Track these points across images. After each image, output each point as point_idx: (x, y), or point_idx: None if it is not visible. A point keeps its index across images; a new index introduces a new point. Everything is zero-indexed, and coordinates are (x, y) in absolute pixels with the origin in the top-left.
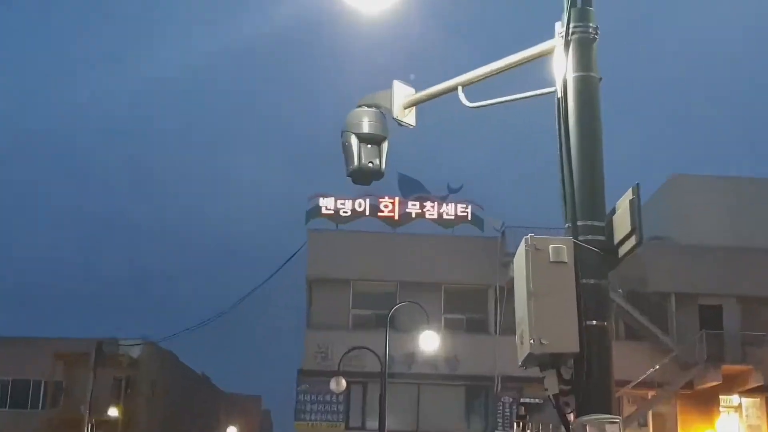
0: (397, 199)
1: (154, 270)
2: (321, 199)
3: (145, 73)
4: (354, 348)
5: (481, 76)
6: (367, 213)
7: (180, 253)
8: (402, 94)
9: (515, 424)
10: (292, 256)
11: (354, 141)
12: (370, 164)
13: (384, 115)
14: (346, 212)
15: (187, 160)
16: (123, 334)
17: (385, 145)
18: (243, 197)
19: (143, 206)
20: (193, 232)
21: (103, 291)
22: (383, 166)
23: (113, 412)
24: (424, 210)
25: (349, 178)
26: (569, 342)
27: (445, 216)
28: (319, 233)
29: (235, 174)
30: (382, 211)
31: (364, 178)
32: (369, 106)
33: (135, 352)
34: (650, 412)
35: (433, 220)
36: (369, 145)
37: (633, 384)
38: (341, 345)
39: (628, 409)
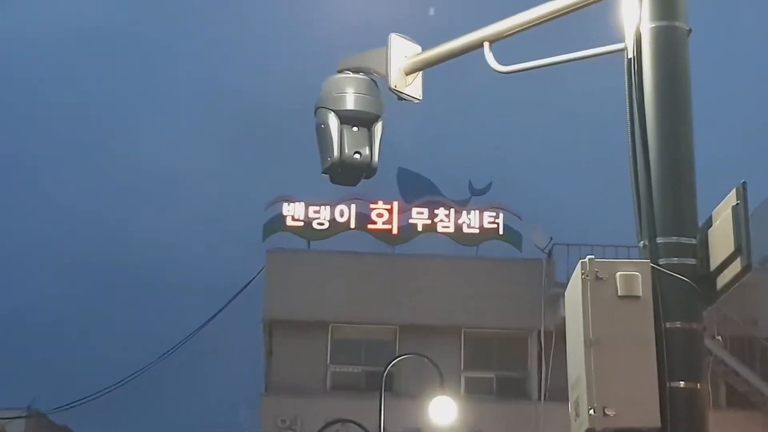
0: (396, 204)
1: (49, 316)
2: (285, 206)
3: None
4: (334, 421)
5: (517, 27)
6: (353, 225)
7: (93, 292)
8: (403, 53)
9: None
10: (240, 292)
11: (333, 122)
12: (357, 155)
13: (377, 84)
14: (321, 224)
15: (80, 157)
16: (2, 404)
17: (378, 128)
18: (175, 206)
19: (26, 225)
20: (107, 260)
21: None
22: (376, 157)
23: None
24: (436, 220)
25: (326, 176)
26: (646, 413)
27: (465, 229)
28: (282, 254)
29: (156, 171)
30: (375, 222)
31: (347, 175)
32: (355, 71)
33: (18, 427)
34: None
35: (448, 234)
36: (355, 128)
37: None
38: (315, 416)
39: None
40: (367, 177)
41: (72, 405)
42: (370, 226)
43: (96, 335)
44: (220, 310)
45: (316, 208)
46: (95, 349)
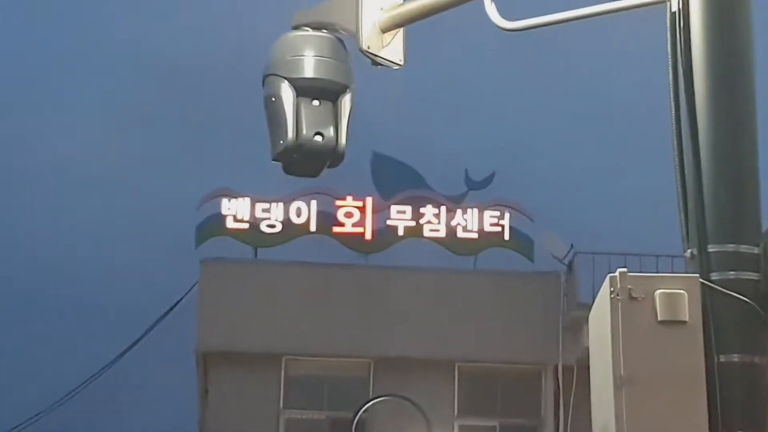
0: (369, 201)
1: None
2: (224, 203)
3: None
4: None
5: None
6: (314, 228)
7: None
8: (378, 3)
9: None
10: (163, 316)
11: (287, 94)
12: (319, 137)
13: (344, 44)
14: (272, 226)
15: None
16: None
17: (346, 102)
18: (83, 204)
19: None
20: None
21: None
22: (343, 140)
23: None
24: (422, 222)
25: (278, 164)
26: None
27: (461, 233)
28: (220, 266)
29: (56, 160)
30: (342, 224)
31: (306, 163)
32: (315, 27)
33: None
34: None
35: (438, 240)
36: (316, 102)
37: None
38: None
39: None
40: (332, 165)
41: None
42: (335, 229)
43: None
44: (136, 342)
45: (266, 205)
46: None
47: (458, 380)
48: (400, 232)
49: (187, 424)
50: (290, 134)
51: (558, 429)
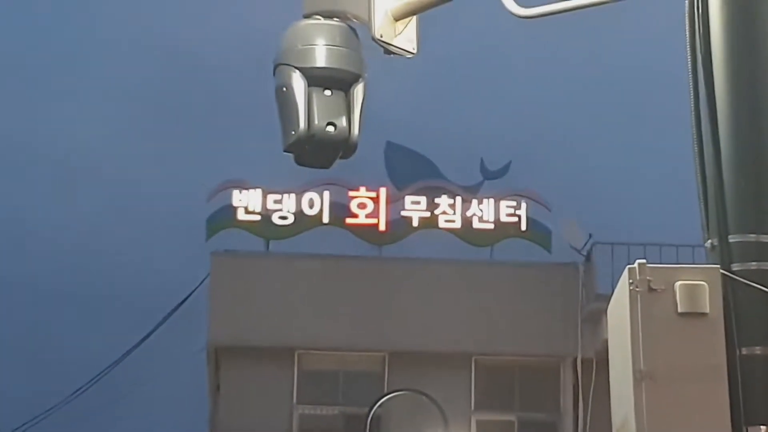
0: (383, 191)
1: None
2: (236, 194)
3: None
4: None
5: None
6: (326, 219)
7: None
8: None
9: None
10: (174, 310)
11: (299, 84)
12: (331, 127)
13: (355, 32)
14: (284, 218)
15: None
16: None
17: (359, 91)
18: (91, 197)
19: None
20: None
21: None
22: (356, 130)
23: None
24: (437, 212)
25: (290, 155)
26: None
27: (476, 224)
28: (231, 259)
29: (61, 152)
30: (356, 216)
31: (318, 154)
32: (327, 15)
33: None
34: None
35: (453, 231)
36: (328, 92)
37: None
38: None
39: None
40: (345, 156)
41: None
42: (348, 221)
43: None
44: (146, 336)
45: (277, 196)
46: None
47: (475, 374)
48: (415, 223)
49: (199, 419)
50: (302, 124)
51: (577, 423)
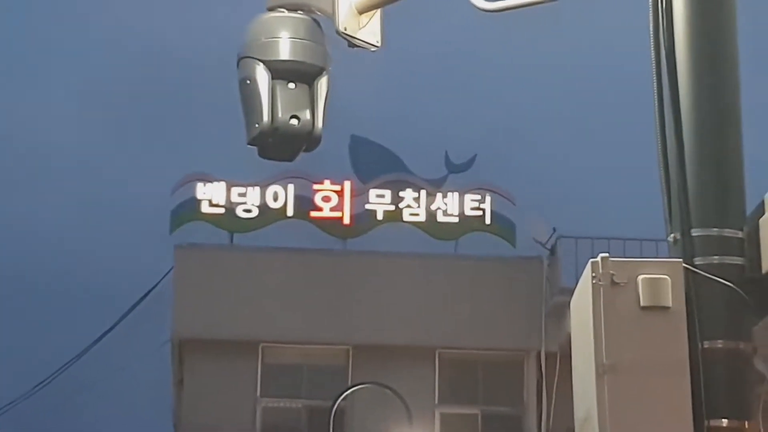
0: (348, 184)
1: None
2: (200, 186)
3: None
4: None
5: None
6: (291, 212)
7: None
8: None
9: None
10: (137, 304)
11: (262, 77)
12: (294, 120)
13: (320, 25)
14: (248, 210)
15: None
16: None
17: (323, 85)
18: (55, 191)
19: None
20: None
21: None
22: (320, 123)
23: None
24: (401, 206)
25: (254, 148)
26: None
27: (441, 217)
28: (195, 252)
29: (24, 146)
30: (320, 209)
31: (282, 147)
32: (291, 8)
33: None
34: None
35: (418, 224)
36: (292, 85)
37: None
38: None
39: None
40: (308, 149)
41: None
42: (313, 214)
43: None
44: (109, 330)
45: (241, 189)
46: None
47: (439, 367)
48: (380, 217)
49: (163, 412)
50: (265, 117)
51: (541, 417)
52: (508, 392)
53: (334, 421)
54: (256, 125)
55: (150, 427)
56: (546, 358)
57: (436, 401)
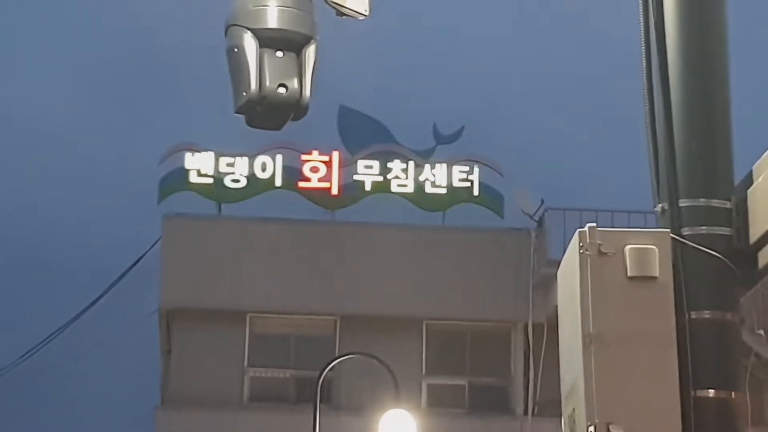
0: (336, 155)
1: None
2: (188, 156)
3: None
4: None
5: None
6: (279, 182)
7: None
8: None
9: None
10: (124, 274)
11: (250, 45)
12: (282, 89)
13: None
14: (236, 180)
15: None
16: None
17: (311, 53)
18: (42, 163)
19: None
20: None
21: None
22: (307, 92)
23: None
24: (389, 177)
25: (241, 117)
26: (664, 429)
27: (429, 188)
28: (183, 222)
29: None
30: (308, 179)
31: (270, 116)
32: None
33: None
34: None
35: (406, 195)
36: (280, 53)
37: None
38: None
39: None
40: (296, 118)
41: None
42: (301, 184)
43: None
44: (97, 299)
45: (230, 159)
46: None
47: (426, 338)
48: (368, 187)
49: (151, 382)
50: (253, 86)
51: (528, 388)
52: (495, 363)
53: (321, 391)
54: (244, 93)
55: (137, 396)
56: (533, 330)
57: (423, 372)
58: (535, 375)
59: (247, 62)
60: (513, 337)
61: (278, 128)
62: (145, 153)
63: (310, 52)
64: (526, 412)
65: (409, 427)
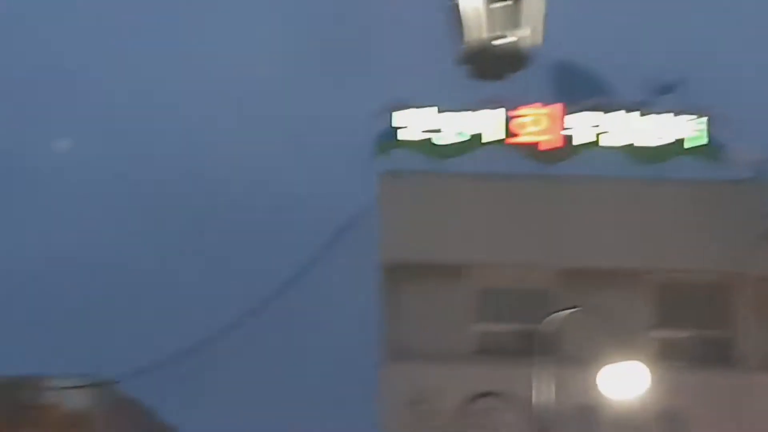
0: (552, 109)
1: (112, 260)
2: (402, 114)
3: None
4: (483, 394)
5: None
6: (495, 137)
7: (164, 230)
8: None
9: None
10: (342, 231)
11: None
12: (505, 39)
13: None
14: (452, 136)
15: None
16: (55, 371)
17: (535, 3)
18: (260, 116)
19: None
20: (180, 186)
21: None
22: (539, 38)
23: None
24: (607, 129)
25: (462, 66)
26: None
27: (648, 140)
28: (400, 179)
29: (235, 73)
30: (523, 134)
31: (493, 66)
32: None
33: (77, 400)
34: None
35: (623, 148)
36: (501, 4)
37: None
38: (456, 389)
39: None
40: (518, 69)
41: (142, 372)
42: (516, 139)
43: (168, 286)
44: (316, 258)
45: (446, 116)
46: (168, 305)
47: (656, 292)
48: (584, 140)
49: (370, 339)
50: (475, 37)
51: (752, 342)
52: (720, 315)
53: (544, 344)
54: (467, 42)
55: (359, 352)
56: (760, 282)
57: (647, 325)
58: (763, 329)
59: (468, 13)
60: (739, 289)
61: (500, 78)
62: (361, 111)
63: (534, 1)
64: (754, 366)
65: (640, 379)
